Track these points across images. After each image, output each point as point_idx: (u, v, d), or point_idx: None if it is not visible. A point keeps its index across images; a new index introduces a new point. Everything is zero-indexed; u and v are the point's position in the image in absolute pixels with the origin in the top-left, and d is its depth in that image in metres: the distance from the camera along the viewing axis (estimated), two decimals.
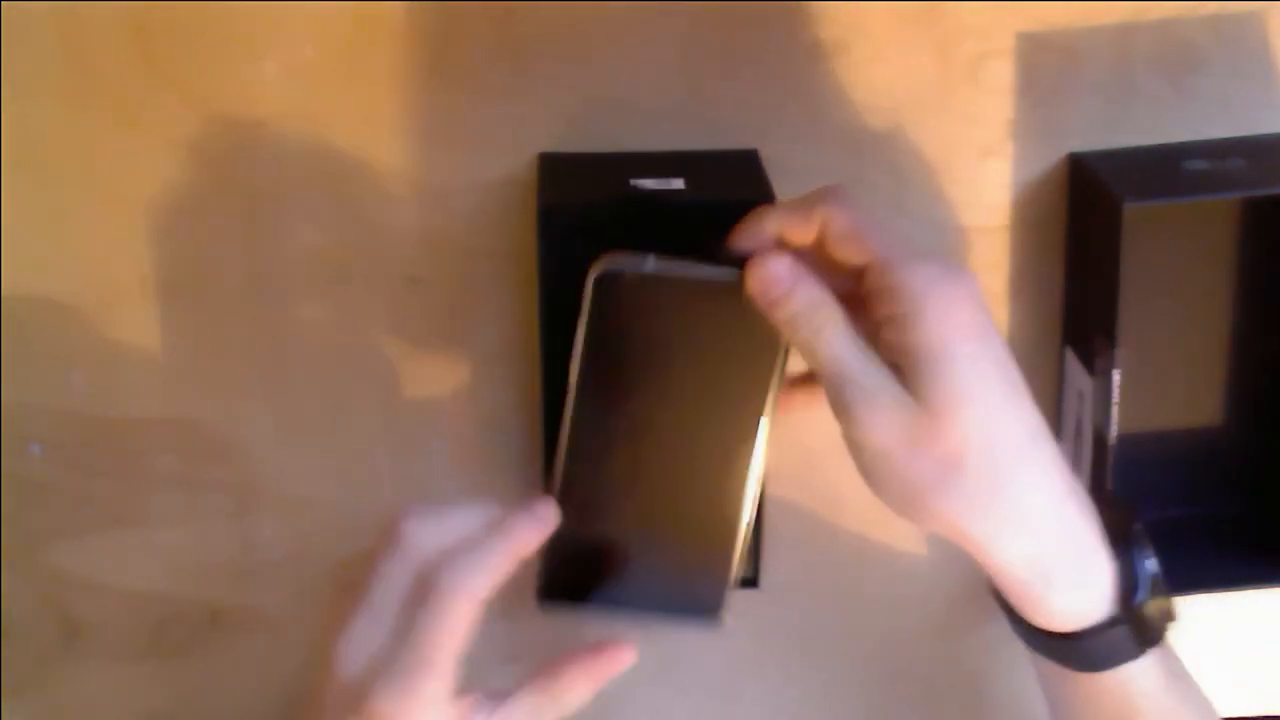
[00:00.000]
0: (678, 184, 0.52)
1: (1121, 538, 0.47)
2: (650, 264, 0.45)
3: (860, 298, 0.45)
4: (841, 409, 0.43)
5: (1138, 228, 0.52)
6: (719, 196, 0.51)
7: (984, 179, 0.58)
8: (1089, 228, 0.56)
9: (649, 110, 0.55)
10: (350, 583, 0.44)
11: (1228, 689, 0.67)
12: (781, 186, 0.56)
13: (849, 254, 0.44)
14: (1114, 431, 0.54)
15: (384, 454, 0.60)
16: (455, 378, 0.59)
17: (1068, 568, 0.46)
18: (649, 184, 0.51)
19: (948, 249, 0.59)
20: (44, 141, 0.54)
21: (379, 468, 0.60)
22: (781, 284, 0.44)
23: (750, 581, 0.61)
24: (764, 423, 0.47)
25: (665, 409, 0.47)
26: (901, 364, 0.43)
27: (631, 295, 0.46)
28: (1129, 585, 0.47)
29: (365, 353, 0.58)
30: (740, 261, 0.45)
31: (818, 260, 0.45)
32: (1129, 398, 0.54)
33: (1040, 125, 0.57)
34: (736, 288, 0.45)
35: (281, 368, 0.58)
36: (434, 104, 0.55)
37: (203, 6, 0.53)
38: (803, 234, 0.45)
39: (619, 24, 0.54)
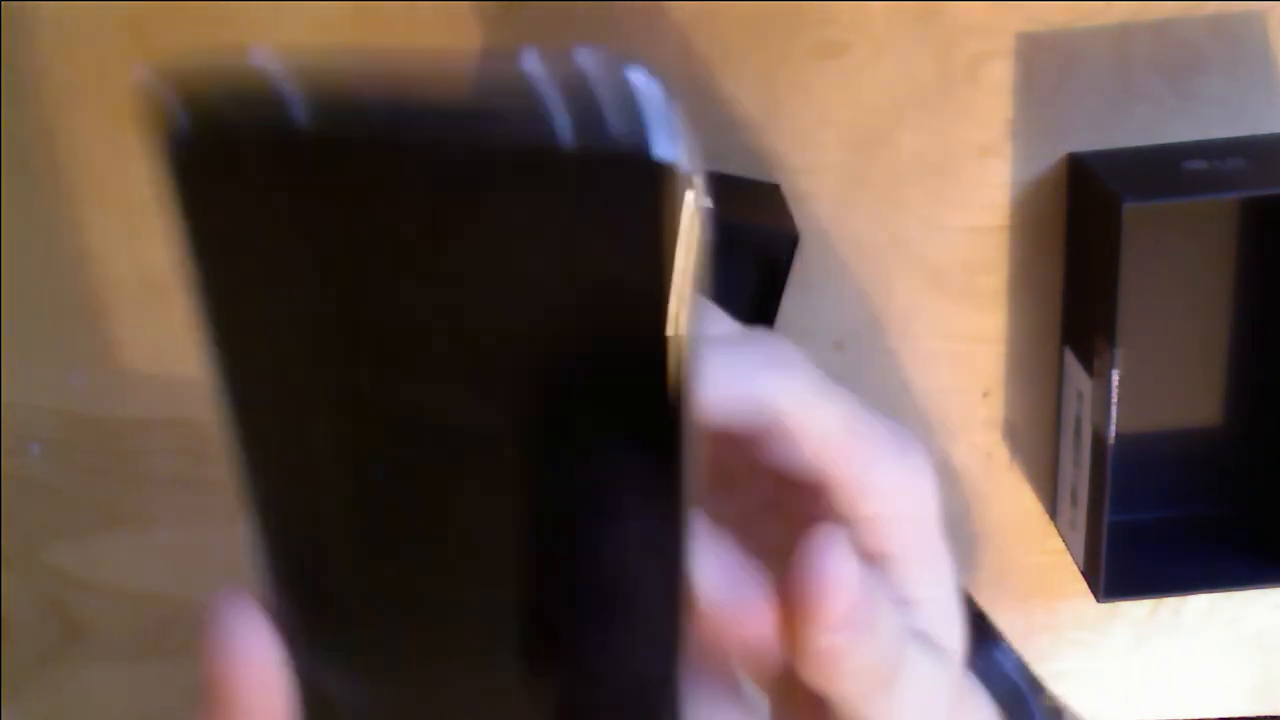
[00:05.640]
0: (705, 201, 0.51)
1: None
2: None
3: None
4: None
5: (1137, 228, 0.52)
6: (746, 222, 0.52)
7: (984, 179, 0.58)
8: (1088, 228, 0.56)
9: None
10: None
11: (1227, 688, 0.67)
12: (783, 186, 0.56)
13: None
14: (1113, 431, 0.54)
15: None
16: None
17: None
18: None
19: (948, 249, 0.59)
20: (44, 141, 0.54)
21: None
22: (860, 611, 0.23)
23: None
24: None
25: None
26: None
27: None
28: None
29: None
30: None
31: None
32: (1128, 398, 0.54)
33: (1040, 125, 0.57)
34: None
35: None
36: None
37: (202, 6, 0.53)
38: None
39: (619, 24, 0.54)
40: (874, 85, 0.56)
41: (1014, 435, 0.62)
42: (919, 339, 0.60)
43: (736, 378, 0.23)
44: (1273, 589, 0.61)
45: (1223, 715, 0.52)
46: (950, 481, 0.62)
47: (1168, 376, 0.61)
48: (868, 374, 0.60)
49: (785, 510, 0.26)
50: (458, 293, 0.17)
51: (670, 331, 0.17)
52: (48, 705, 0.62)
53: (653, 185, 0.16)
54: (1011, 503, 0.63)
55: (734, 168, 0.56)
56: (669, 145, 0.16)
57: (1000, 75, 0.56)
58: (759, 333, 0.24)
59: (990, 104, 0.57)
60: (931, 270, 0.59)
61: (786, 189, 0.56)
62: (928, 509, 0.26)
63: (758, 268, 0.54)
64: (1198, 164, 0.55)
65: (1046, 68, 0.56)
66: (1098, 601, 0.56)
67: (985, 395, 0.61)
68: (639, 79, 0.16)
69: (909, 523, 0.25)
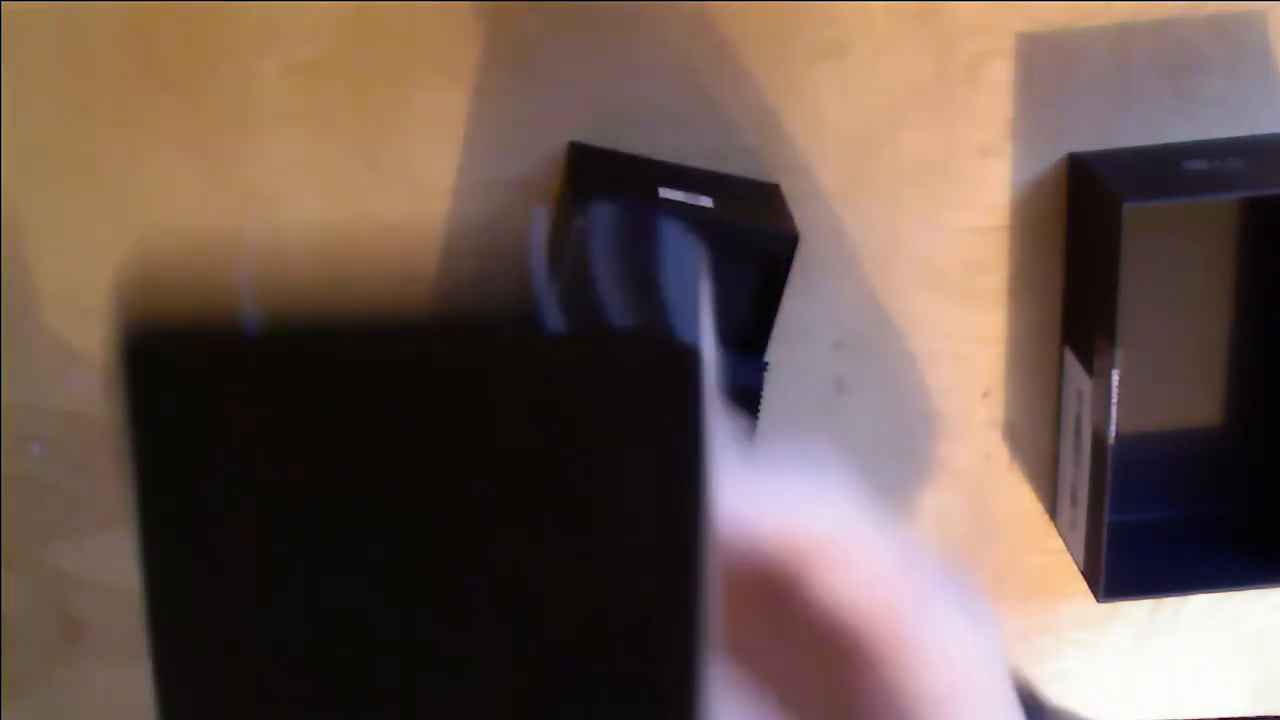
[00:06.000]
0: (705, 201, 0.52)
1: None
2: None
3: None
4: None
5: (1137, 228, 0.52)
6: (746, 223, 0.52)
7: (984, 179, 0.58)
8: (1088, 228, 0.56)
9: (649, 111, 0.55)
10: None
11: (1227, 688, 0.67)
12: (783, 186, 0.56)
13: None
14: (1113, 431, 0.54)
15: None
16: None
17: None
18: (677, 195, 0.51)
19: (948, 249, 0.59)
20: (44, 141, 0.54)
21: None
22: None
23: None
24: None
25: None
26: None
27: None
28: None
29: None
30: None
31: None
32: (1128, 398, 0.54)
33: (1040, 125, 0.57)
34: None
35: None
36: (434, 104, 0.55)
37: (203, 7, 0.53)
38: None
39: (620, 24, 0.54)
40: (874, 85, 0.56)
41: (1014, 435, 0.62)
42: (919, 339, 0.60)
43: (769, 505, 0.20)
44: (1273, 589, 0.61)
45: (1223, 715, 0.52)
46: (950, 481, 0.62)
47: (1168, 376, 0.61)
48: (868, 374, 0.60)
49: (816, 658, 0.23)
50: (453, 515, 0.16)
51: (701, 526, 0.16)
52: (48, 705, 0.62)
53: (670, 370, 0.15)
54: (1011, 503, 0.63)
55: (734, 168, 0.56)
56: (690, 328, 0.15)
57: (1000, 75, 0.56)
58: (792, 447, 0.21)
59: (990, 104, 0.57)
60: (931, 270, 0.59)
61: (786, 189, 0.56)
62: (992, 666, 0.22)
63: (758, 268, 0.54)
64: (1198, 164, 0.55)
65: (1046, 68, 0.56)
66: (1098, 601, 0.56)
67: (985, 395, 0.61)
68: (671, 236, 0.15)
69: (971, 683, 0.22)
